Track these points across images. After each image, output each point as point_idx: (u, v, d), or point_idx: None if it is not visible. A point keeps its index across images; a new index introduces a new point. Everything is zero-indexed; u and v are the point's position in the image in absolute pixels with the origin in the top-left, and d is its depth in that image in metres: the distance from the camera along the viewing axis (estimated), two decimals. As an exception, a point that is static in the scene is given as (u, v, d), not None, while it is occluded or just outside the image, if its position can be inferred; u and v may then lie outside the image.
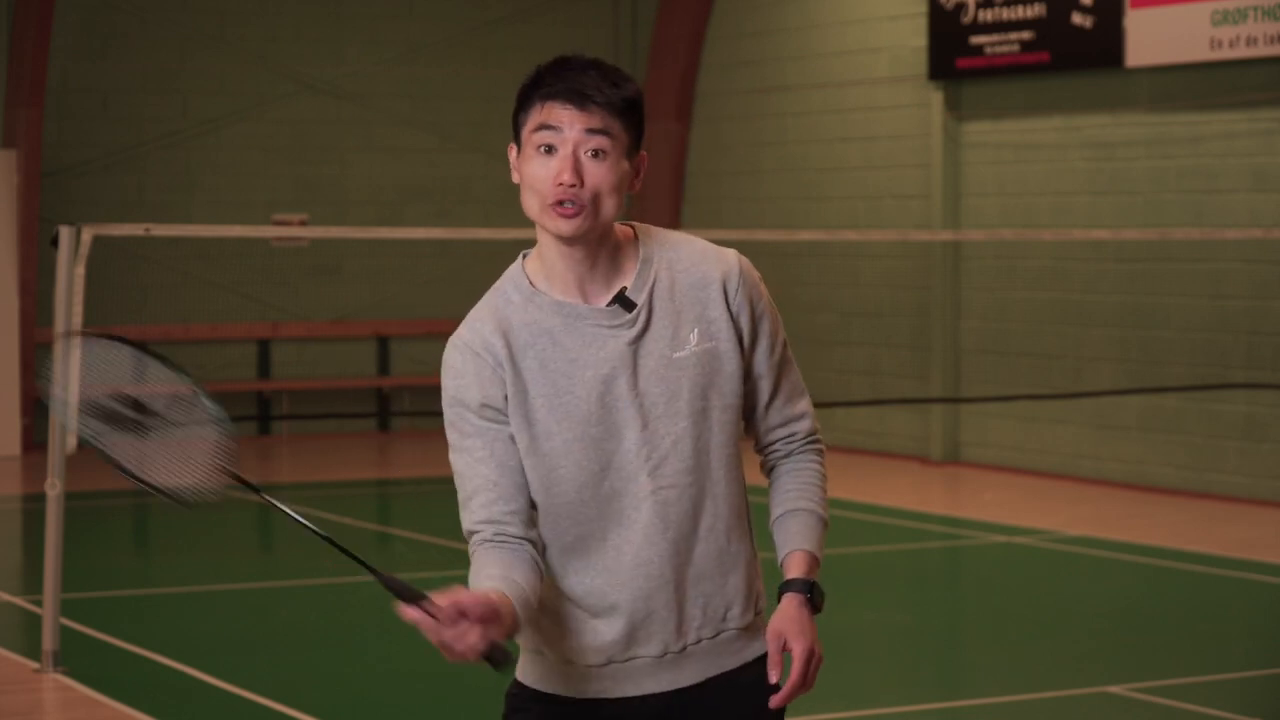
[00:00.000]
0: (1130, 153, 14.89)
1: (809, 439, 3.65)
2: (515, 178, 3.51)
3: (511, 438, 3.43)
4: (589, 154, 3.40)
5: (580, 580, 3.48)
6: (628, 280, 3.49)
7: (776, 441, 3.63)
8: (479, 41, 18.77)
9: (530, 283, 3.49)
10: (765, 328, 3.56)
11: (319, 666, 9.06)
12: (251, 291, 18.04)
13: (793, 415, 3.62)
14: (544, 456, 3.44)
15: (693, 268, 3.52)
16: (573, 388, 3.43)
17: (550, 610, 3.51)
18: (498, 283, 3.54)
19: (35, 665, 8.76)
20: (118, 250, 16.92)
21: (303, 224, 17.86)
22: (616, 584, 3.47)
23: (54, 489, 8.81)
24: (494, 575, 3.33)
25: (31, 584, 10.60)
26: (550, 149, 3.41)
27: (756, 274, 3.59)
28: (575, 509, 3.45)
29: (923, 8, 16.31)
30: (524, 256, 3.55)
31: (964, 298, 16.25)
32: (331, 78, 18.27)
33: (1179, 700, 8.23)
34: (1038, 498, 14.46)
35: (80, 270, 8.97)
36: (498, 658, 3.16)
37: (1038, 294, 15.63)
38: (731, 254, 3.56)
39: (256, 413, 18.14)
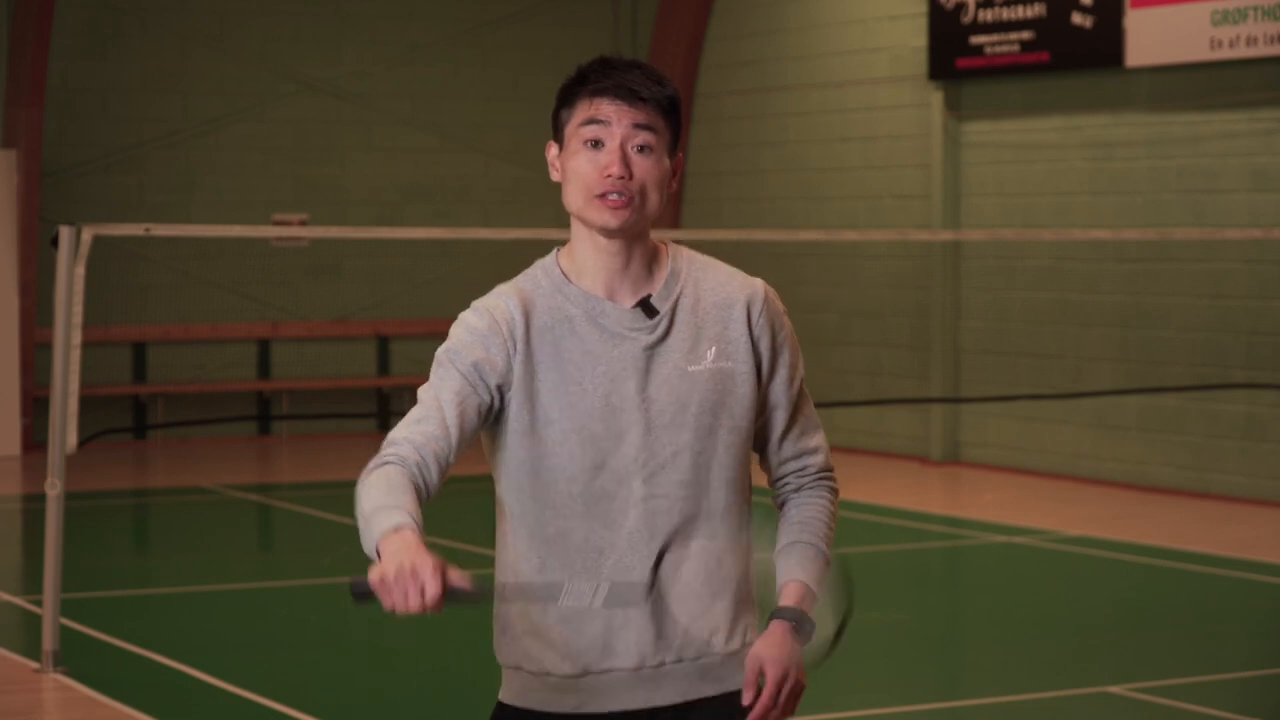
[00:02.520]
0: (1130, 153, 14.89)
1: (821, 474, 3.63)
2: (555, 175, 3.55)
3: (480, 409, 3.44)
4: (635, 149, 3.45)
5: (556, 576, 3.45)
6: (654, 289, 3.51)
7: (789, 475, 3.61)
8: (479, 41, 18.76)
9: (562, 273, 3.52)
10: (785, 358, 3.57)
11: (319, 666, 9.06)
12: (251, 291, 18.04)
13: (806, 449, 3.61)
14: (539, 441, 3.44)
15: (718, 288, 3.55)
16: (581, 379, 3.45)
17: (523, 611, 3.50)
18: (529, 269, 3.58)
19: (35, 665, 8.76)
20: (118, 250, 16.92)
21: (303, 224, 17.86)
22: (594, 585, 3.46)
23: (54, 489, 8.80)
24: (404, 506, 3.27)
25: (31, 584, 10.60)
26: (597, 143, 3.45)
27: (781, 306, 3.61)
28: (562, 501, 3.44)
29: (923, 8, 16.31)
30: (557, 251, 3.58)
31: (964, 298, 16.25)
32: (331, 78, 18.27)
33: (1179, 700, 8.23)
34: (1038, 498, 14.46)
35: (80, 270, 8.97)
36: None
37: (1038, 294, 15.63)
38: (759, 282, 3.59)
39: (256, 413, 18.14)
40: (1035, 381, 15.58)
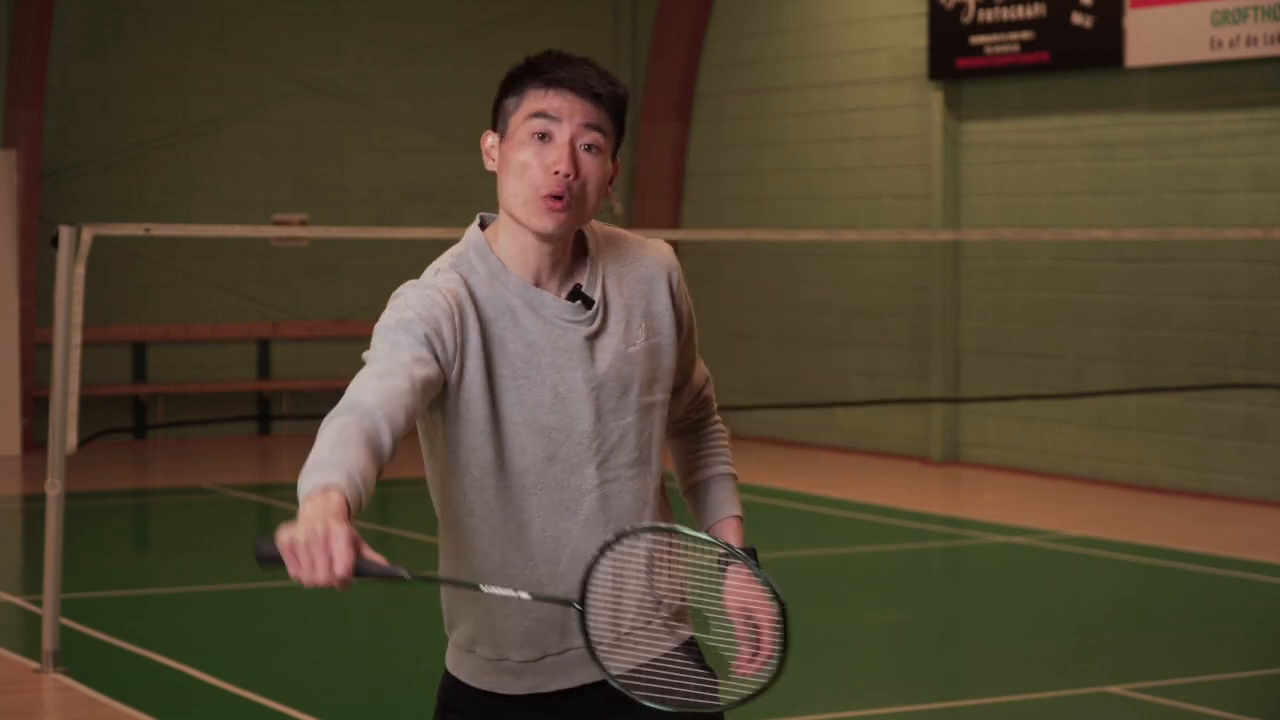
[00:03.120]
0: (1130, 153, 14.89)
1: (710, 402, 3.76)
2: (490, 165, 3.47)
3: (435, 382, 3.29)
4: (584, 147, 3.38)
5: (519, 570, 3.45)
6: (580, 277, 3.47)
7: (690, 410, 3.72)
8: (479, 41, 18.77)
9: (499, 260, 3.45)
10: (692, 317, 3.63)
11: (319, 666, 9.06)
12: (251, 291, 18.04)
13: (699, 383, 3.72)
14: (496, 436, 3.41)
15: (635, 262, 3.53)
16: (529, 372, 3.41)
17: (485, 602, 3.48)
18: (458, 248, 3.49)
19: (35, 665, 8.76)
20: (118, 250, 16.93)
21: (303, 224, 17.86)
22: (554, 575, 3.45)
23: (54, 489, 8.81)
24: (345, 465, 3.03)
25: (31, 584, 10.61)
26: (545, 137, 3.37)
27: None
28: (518, 494, 3.42)
29: (923, 8, 16.31)
30: (482, 227, 3.50)
31: (964, 298, 16.25)
32: (331, 78, 18.27)
33: (1179, 700, 8.23)
34: (1038, 498, 14.46)
35: (80, 270, 8.97)
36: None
37: (1038, 294, 15.63)
38: (666, 246, 3.59)
39: (256, 413, 18.14)
40: (1035, 381, 15.58)
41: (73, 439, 8.92)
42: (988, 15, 15.71)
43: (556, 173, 3.35)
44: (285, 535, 2.90)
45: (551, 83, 3.37)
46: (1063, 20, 15.07)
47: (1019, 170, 15.79)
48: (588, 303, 3.44)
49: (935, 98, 16.20)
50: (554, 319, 3.42)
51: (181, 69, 17.75)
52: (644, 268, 3.52)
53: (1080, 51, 14.98)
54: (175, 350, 17.79)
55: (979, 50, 15.80)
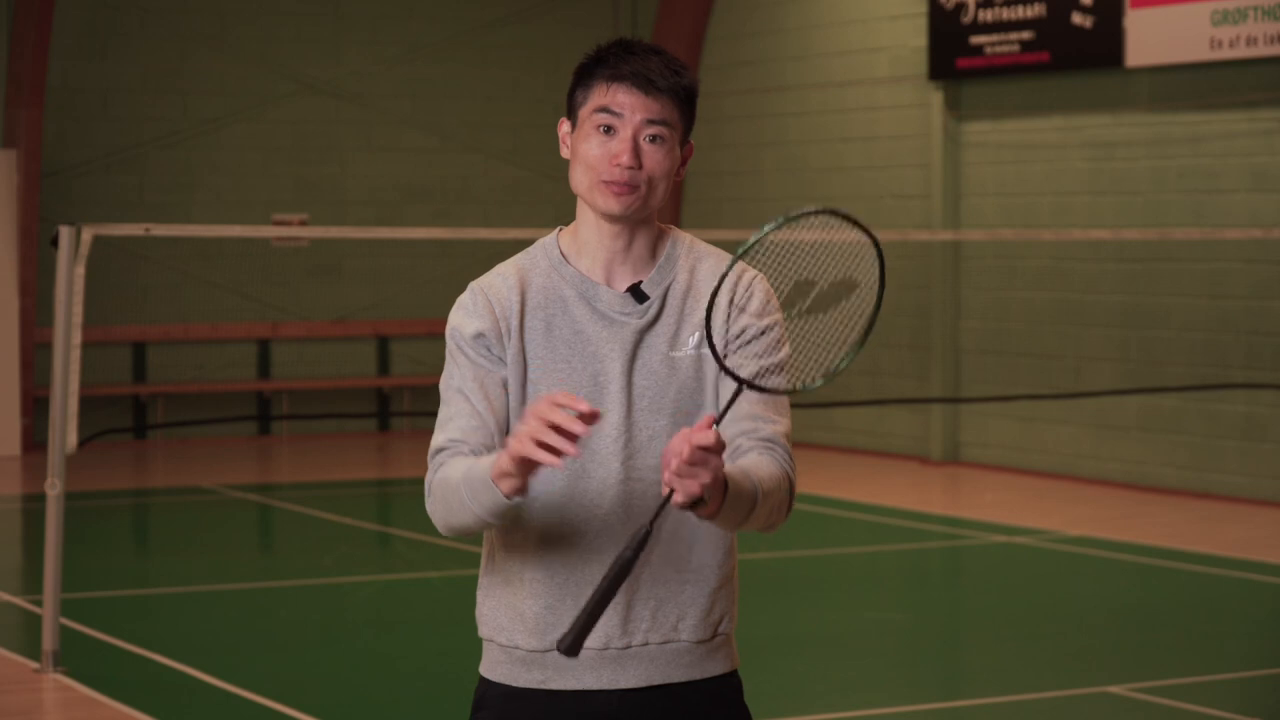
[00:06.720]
0: (1130, 153, 14.89)
1: (769, 440, 3.46)
2: (565, 152, 3.54)
3: (502, 380, 3.47)
4: (647, 139, 3.45)
5: (534, 554, 3.48)
6: (649, 274, 3.53)
7: (738, 438, 3.45)
8: (479, 41, 18.77)
9: (561, 253, 3.54)
10: (766, 338, 3.52)
11: (319, 666, 9.06)
12: (251, 291, 18.04)
13: (763, 417, 3.47)
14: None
15: (711, 277, 3.55)
16: (570, 358, 3.48)
17: (500, 584, 3.52)
18: (530, 247, 3.60)
19: (35, 665, 8.76)
20: (118, 250, 16.93)
21: (303, 224, 17.86)
22: (568, 564, 3.47)
23: (54, 489, 8.81)
24: (484, 461, 3.33)
25: (31, 584, 10.61)
26: (610, 130, 3.45)
27: (773, 298, 3.52)
28: (545, 476, 3.44)
29: (923, 8, 16.32)
30: (559, 230, 3.60)
31: (964, 298, 16.25)
32: (331, 78, 18.27)
33: (1179, 700, 8.23)
34: (1038, 498, 14.46)
35: (80, 270, 8.97)
36: None
37: (1038, 294, 15.63)
38: (748, 270, 3.55)
39: (256, 413, 18.14)
40: (1035, 381, 15.58)
41: (73, 439, 8.93)
42: (988, 15, 15.71)
43: (618, 164, 3.43)
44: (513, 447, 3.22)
45: (615, 78, 3.45)
46: (1063, 20, 15.07)
47: (1019, 170, 15.79)
48: (641, 297, 3.49)
49: (935, 98, 16.21)
50: (606, 311, 3.49)
51: (181, 69, 17.75)
52: (712, 281, 3.53)
53: (1080, 51, 14.98)
54: (175, 350, 17.80)
55: (979, 50, 15.80)
